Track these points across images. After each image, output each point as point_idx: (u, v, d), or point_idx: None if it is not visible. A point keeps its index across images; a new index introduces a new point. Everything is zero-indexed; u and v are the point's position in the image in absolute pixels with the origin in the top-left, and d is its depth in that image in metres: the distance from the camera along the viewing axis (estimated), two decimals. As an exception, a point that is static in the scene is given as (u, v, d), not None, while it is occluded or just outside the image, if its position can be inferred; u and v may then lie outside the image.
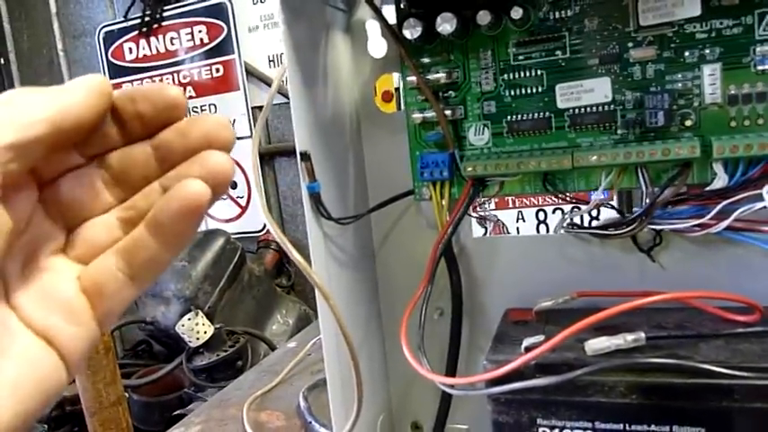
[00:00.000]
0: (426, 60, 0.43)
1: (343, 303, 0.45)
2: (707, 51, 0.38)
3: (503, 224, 0.48)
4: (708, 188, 0.38)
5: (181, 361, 1.59)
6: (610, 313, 0.33)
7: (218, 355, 1.59)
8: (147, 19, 1.87)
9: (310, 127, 0.41)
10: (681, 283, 0.41)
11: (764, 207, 0.36)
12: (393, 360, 0.51)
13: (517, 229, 0.49)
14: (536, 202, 0.52)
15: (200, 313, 1.59)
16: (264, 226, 1.82)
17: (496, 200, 0.49)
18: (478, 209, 0.48)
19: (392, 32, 0.42)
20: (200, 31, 1.85)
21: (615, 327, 0.36)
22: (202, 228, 1.98)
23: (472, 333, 0.47)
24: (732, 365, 0.31)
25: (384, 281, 0.50)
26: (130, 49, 1.94)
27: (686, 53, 0.38)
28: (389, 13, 0.44)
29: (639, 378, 0.33)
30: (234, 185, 1.86)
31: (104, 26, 1.93)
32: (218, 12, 1.81)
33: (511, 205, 0.51)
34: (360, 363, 0.46)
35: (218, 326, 1.58)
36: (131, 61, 1.94)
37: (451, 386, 0.38)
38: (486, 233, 0.47)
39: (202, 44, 1.85)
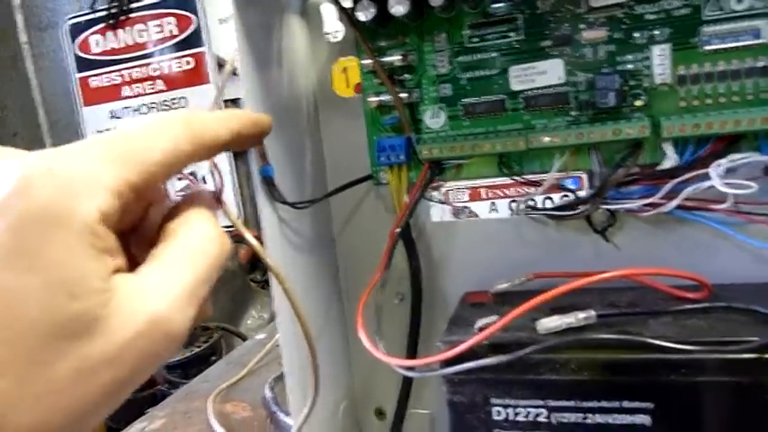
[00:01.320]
0: (382, 44, 0.43)
1: (301, 288, 0.45)
2: (656, 32, 0.38)
3: (470, 211, 0.48)
4: (658, 168, 0.39)
5: (154, 358, 1.57)
6: (558, 292, 0.33)
7: (191, 351, 1.57)
8: (114, 11, 1.83)
9: (264, 111, 0.40)
10: (635, 262, 0.41)
11: (712, 186, 0.36)
12: (355, 346, 0.50)
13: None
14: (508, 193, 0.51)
15: (171, 309, 1.58)
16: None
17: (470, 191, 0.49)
18: (451, 199, 0.48)
19: (346, 15, 0.42)
20: (169, 23, 1.82)
21: (570, 306, 0.36)
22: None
23: (432, 317, 0.47)
24: (679, 340, 0.32)
25: (345, 266, 0.50)
26: (97, 41, 1.90)
27: (636, 34, 0.38)
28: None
29: (589, 355, 0.33)
30: (206, 180, 1.84)
31: (70, 18, 1.89)
32: (188, 3, 1.79)
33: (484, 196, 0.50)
34: (319, 349, 0.46)
35: (190, 322, 1.57)
36: (98, 54, 1.91)
37: (406, 368, 0.38)
38: (442, 217, 0.47)
39: (172, 36, 1.82)
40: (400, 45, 0.43)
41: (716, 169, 0.36)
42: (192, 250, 0.24)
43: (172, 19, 1.81)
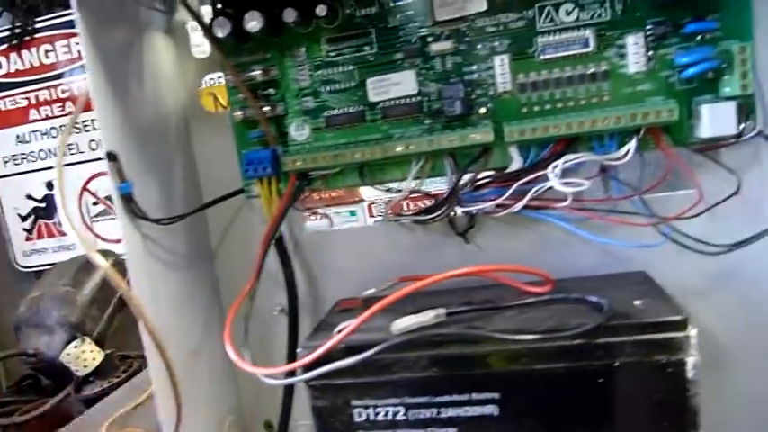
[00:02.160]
0: (244, 59, 0.44)
1: (176, 306, 0.45)
2: (496, 43, 0.40)
3: (341, 219, 0.49)
4: (506, 171, 0.41)
5: (69, 392, 1.50)
6: (398, 296, 0.34)
7: (109, 382, 1.51)
8: (17, 31, 1.76)
9: (121, 129, 0.40)
10: (494, 261, 0.43)
11: (551, 187, 0.39)
12: (240, 361, 0.50)
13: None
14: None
15: (88, 340, 1.51)
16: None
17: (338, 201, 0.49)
18: (322, 209, 0.49)
19: (206, 31, 0.43)
20: (77, 43, 1.77)
21: (430, 306, 0.38)
22: (91, 249, 1.88)
23: (312, 327, 0.48)
24: (516, 332, 0.33)
25: (225, 280, 0.50)
26: (0, 64, 1.82)
27: (479, 45, 0.41)
28: (208, 12, 0.44)
29: (438, 351, 0.35)
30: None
31: (-31, 40, 1.81)
32: (98, 23, 1.74)
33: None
34: (200, 365, 0.46)
35: (108, 351, 1.51)
36: (2, 76, 1.83)
37: (270, 376, 0.38)
38: (317, 227, 0.48)
39: (80, 56, 1.76)
40: (262, 60, 0.44)
41: (553, 170, 0.38)
42: None
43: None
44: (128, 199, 0.39)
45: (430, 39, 0.41)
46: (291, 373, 0.37)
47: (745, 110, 0.38)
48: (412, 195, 0.44)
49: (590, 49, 0.39)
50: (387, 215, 0.45)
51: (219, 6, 0.42)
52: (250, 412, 0.52)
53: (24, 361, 1.65)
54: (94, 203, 1.82)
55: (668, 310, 0.34)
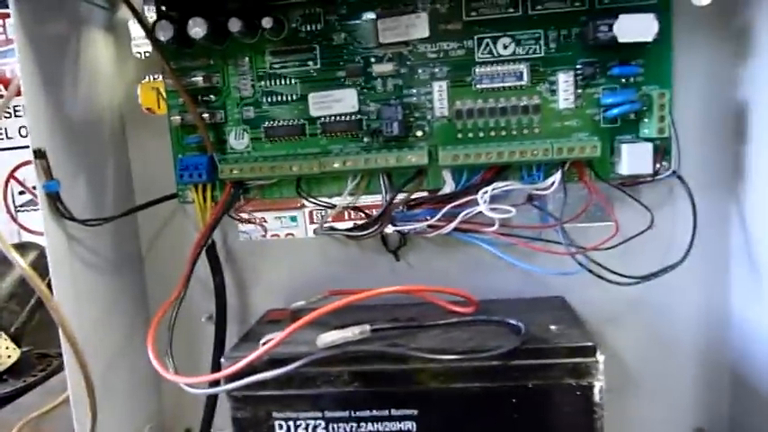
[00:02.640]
0: (186, 63, 0.44)
1: (99, 310, 0.44)
2: (436, 70, 0.42)
3: (274, 230, 0.49)
4: (439, 193, 0.42)
5: (-21, 391, 1.42)
6: (325, 310, 0.35)
7: (24, 381, 1.44)
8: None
9: (52, 125, 0.39)
10: (424, 280, 0.44)
11: (480, 212, 0.40)
12: (164, 367, 0.49)
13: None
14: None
15: (4, 335, 1.44)
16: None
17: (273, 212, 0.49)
18: (256, 219, 0.49)
19: (148, 33, 0.42)
20: (11, 25, 1.69)
21: (357, 322, 0.38)
22: (15, 240, 1.79)
23: (239, 336, 0.48)
24: (437, 350, 0.34)
25: (153, 286, 0.49)
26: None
27: (420, 70, 0.42)
28: (152, 13, 0.43)
29: (360, 367, 0.35)
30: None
31: None
32: None
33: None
34: (120, 372, 0.45)
35: (25, 349, 1.44)
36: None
37: (192, 386, 0.38)
38: (251, 236, 0.48)
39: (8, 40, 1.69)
40: (204, 66, 0.44)
41: (482, 196, 0.40)
42: None
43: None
44: (54, 198, 0.38)
45: (373, 60, 0.42)
46: (216, 383, 0.37)
47: (662, 151, 0.41)
48: (346, 210, 0.44)
49: (524, 83, 0.41)
50: (320, 228, 0.45)
51: (163, 8, 0.42)
52: (171, 420, 0.51)
53: (-69, 355, 1.56)
54: (21, 192, 1.74)
55: (580, 336, 0.36)
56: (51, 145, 0.38)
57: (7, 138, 1.73)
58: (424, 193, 0.43)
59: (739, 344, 0.43)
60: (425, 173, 0.42)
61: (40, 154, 0.38)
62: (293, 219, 0.48)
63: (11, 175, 1.74)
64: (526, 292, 0.44)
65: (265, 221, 0.47)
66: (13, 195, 1.74)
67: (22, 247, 1.62)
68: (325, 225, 0.45)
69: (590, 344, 0.34)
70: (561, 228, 0.41)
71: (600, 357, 0.34)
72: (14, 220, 1.77)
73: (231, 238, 0.48)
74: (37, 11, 0.38)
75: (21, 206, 1.74)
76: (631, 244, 0.41)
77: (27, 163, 1.70)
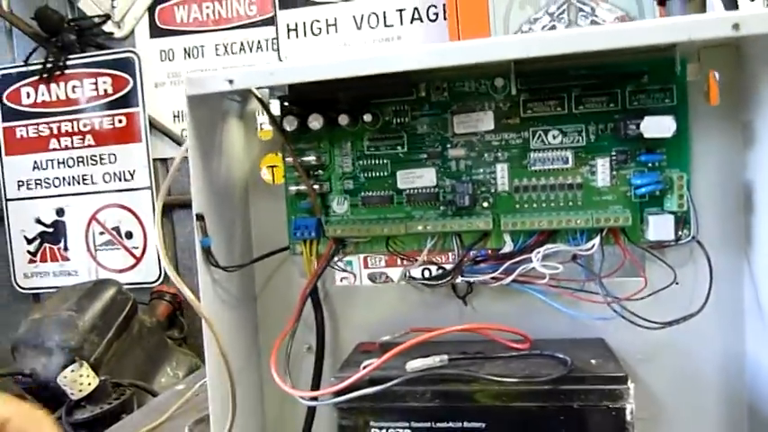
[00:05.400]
0: (302, 146, 0.56)
1: (227, 337, 0.55)
2: (499, 154, 0.53)
3: (366, 278, 0.61)
4: (501, 252, 0.53)
5: (60, 415, 1.55)
6: (413, 343, 0.45)
7: (101, 408, 1.55)
8: (49, 65, 1.89)
9: (206, 192, 0.52)
10: (486, 321, 0.55)
11: (534, 267, 0.51)
12: (269, 386, 0.61)
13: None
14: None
15: (85, 364, 1.57)
16: (159, 277, 1.84)
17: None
18: (352, 269, 0.60)
19: (275, 124, 0.55)
20: (104, 82, 1.89)
21: (434, 353, 0.49)
22: (93, 277, 1.96)
23: (334, 364, 0.59)
24: (502, 375, 0.45)
25: (263, 320, 0.61)
26: (28, 93, 1.94)
27: (486, 154, 0.53)
28: (275, 106, 0.56)
29: (440, 387, 0.46)
30: (129, 236, 1.88)
31: (1, 68, 1.93)
32: (125, 65, 1.87)
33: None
34: (238, 387, 0.56)
35: (103, 378, 1.57)
36: (28, 105, 1.94)
37: (304, 398, 0.48)
38: (344, 281, 0.59)
39: (106, 95, 1.89)
40: (316, 149, 0.56)
41: (536, 255, 0.50)
42: None
43: (108, 78, 1.89)
44: (207, 251, 0.50)
45: (448, 145, 0.54)
46: (316, 398, 0.47)
47: (682, 221, 0.50)
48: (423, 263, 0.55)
49: (569, 165, 0.52)
50: (404, 277, 0.56)
51: (287, 104, 0.55)
52: (273, 430, 0.61)
53: (18, 381, 1.70)
54: (101, 233, 1.91)
55: (615, 368, 0.45)
56: (207, 210, 0.51)
57: (92, 183, 1.92)
58: (489, 252, 0.54)
59: (754, 383, 0.52)
60: (490, 235, 0.53)
61: (200, 217, 0.50)
62: (385, 273, 0.59)
63: (93, 217, 1.92)
64: (571, 334, 0.54)
65: (358, 271, 0.58)
66: (93, 235, 1.92)
67: (101, 283, 1.78)
68: (407, 275, 0.56)
69: (622, 374, 0.44)
70: (600, 281, 0.51)
71: (630, 385, 0.43)
72: (94, 258, 1.95)
73: (328, 283, 0.59)
74: (198, 105, 0.51)
75: (100, 245, 1.92)
76: (658, 296, 0.51)
77: (108, 206, 1.88)
